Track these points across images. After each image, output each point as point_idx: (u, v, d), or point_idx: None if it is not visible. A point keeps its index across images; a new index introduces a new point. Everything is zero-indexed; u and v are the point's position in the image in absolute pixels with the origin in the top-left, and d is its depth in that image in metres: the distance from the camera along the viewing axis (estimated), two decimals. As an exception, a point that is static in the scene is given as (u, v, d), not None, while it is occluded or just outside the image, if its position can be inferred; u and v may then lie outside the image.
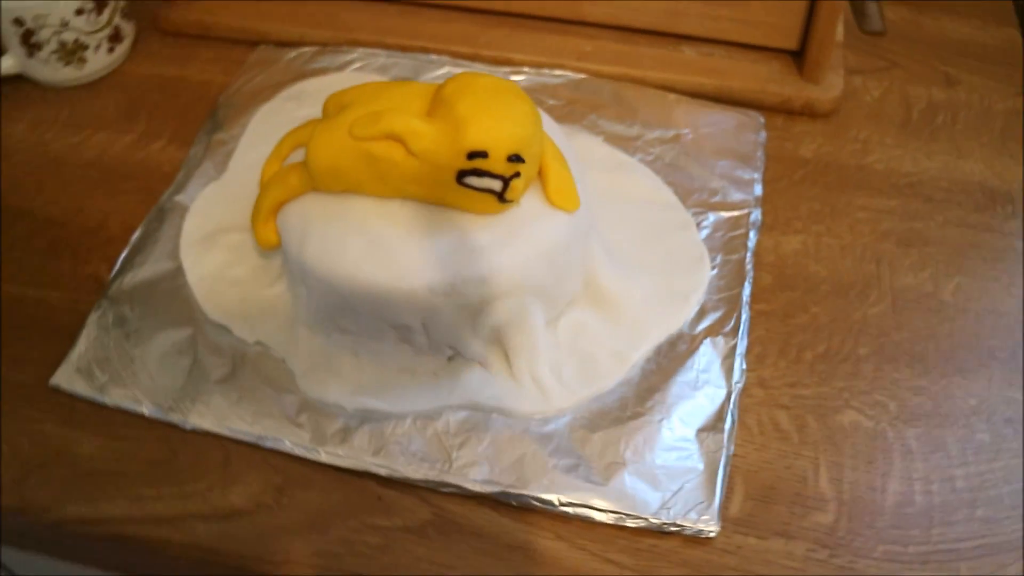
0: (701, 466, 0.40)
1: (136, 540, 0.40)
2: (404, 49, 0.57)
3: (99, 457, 0.42)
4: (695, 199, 0.50)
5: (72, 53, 0.54)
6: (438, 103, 0.40)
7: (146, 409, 0.43)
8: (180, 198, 0.50)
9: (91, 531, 0.40)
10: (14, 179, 0.52)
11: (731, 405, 0.42)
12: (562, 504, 0.39)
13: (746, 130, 0.53)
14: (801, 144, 0.53)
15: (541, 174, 0.42)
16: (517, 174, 0.39)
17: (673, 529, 0.39)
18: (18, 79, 0.57)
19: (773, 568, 0.38)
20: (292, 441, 0.41)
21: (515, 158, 0.39)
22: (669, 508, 0.39)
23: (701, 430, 0.41)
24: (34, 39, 0.53)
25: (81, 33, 0.54)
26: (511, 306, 0.41)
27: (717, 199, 0.50)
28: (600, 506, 0.39)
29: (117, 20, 0.56)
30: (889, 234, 0.49)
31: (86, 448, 0.42)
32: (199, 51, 0.59)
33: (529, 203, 0.41)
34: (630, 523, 0.39)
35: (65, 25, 0.53)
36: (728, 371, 0.43)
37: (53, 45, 0.53)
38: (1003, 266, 0.48)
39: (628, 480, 0.40)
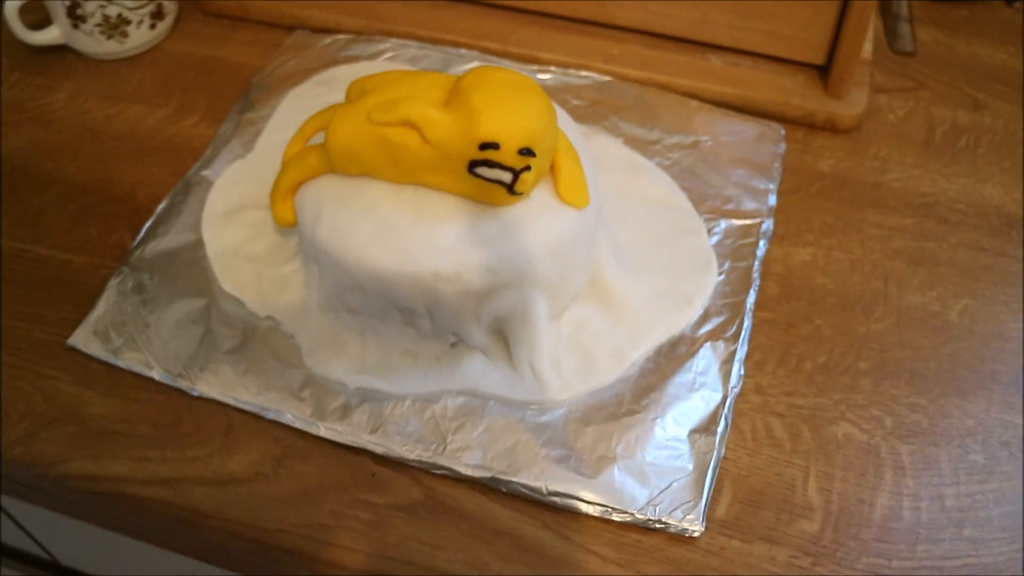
0: (691, 466, 0.41)
1: (136, 500, 0.41)
2: (435, 42, 0.58)
3: (108, 417, 0.43)
4: (708, 205, 0.50)
5: (115, 27, 0.56)
6: (455, 94, 0.41)
7: (156, 374, 0.44)
8: (206, 173, 0.52)
9: (94, 488, 0.41)
10: (51, 145, 0.54)
11: (726, 409, 0.42)
12: (550, 493, 0.40)
13: (765, 141, 0.53)
14: (820, 158, 0.53)
15: (553, 170, 0.43)
16: (528, 167, 0.40)
17: (658, 526, 0.39)
18: (62, 49, 0.59)
19: (754, 571, 0.38)
20: (293, 414, 0.43)
21: (526, 151, 0.39)
22: (655, 505, 0.39)
23: (694, 431, 0.42)
24: (79, 11, 0.55)
25: (124, 8, 0.56)
26: (515, 297, 0.42)
27: (730, 207, 0.50)
28: (587, 498, 0.40)
29: (160, -2, 0.58)
30: (900, 252, 0.49)
31: (96, 408, 0.43)
32: (237, 33, 0.61)
33: (539, 197, 0.42)
34: (616, 517, 0.39)
35: (110, 0, 0.55)
36: (726, 375, 0.43)
37: (97, 18, 0.55)
38: (1013, 291, 0.47)
39: (617, 475, 0.40)
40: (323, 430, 0.42)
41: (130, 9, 0.56)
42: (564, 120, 0.46)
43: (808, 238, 0.50)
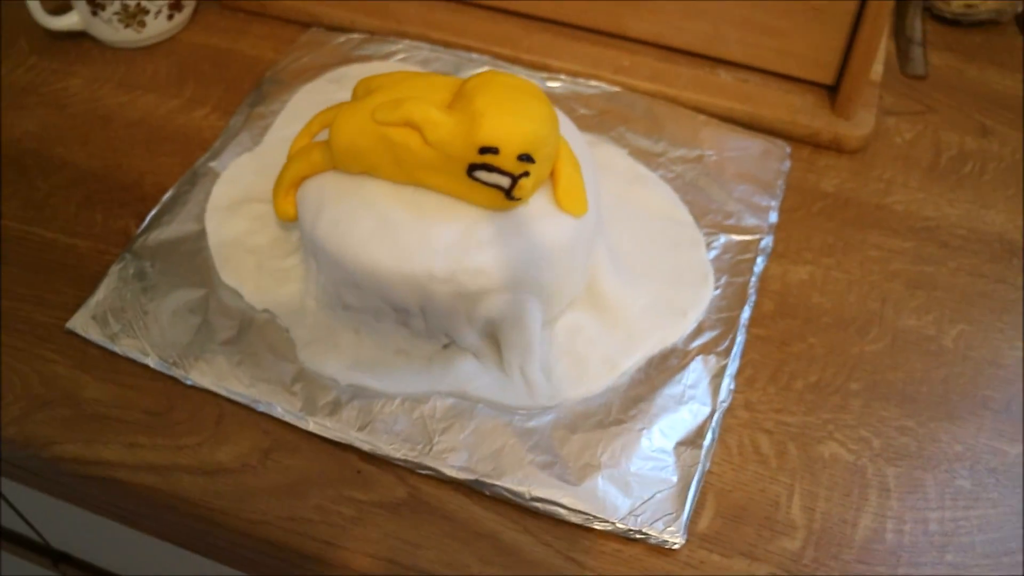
0: (675, 478, 0.41)
1: (125, 485, 0.42)
2: (448, 45, 0.59)
3: (102, 402, 0.44)
4: (709, 219, 0.50)
5: (133, 16, 0.57)
6: (459, 96, 0.41)
7: (152, 361, 0.45)
8: (214, 164, 0.52)
9: (84, 471, 0.42)
10: (63, 130, 0.55)
11: (713, 423, 0.42)
12: (532, 499, 0.40)
13: (770, 158, 0.53)
14: (824, 177, 0.53)
15: (553, 176, 0.43)
16: (526, 173, 0.40)
17: (639, 536, 0.39)
18: (81, 36, 0.60)
19: (733, 587, 0.39)
20: (284, 408, 0.43)
21: (525, 157, 0.39)
22: (637, 515, 0.39)
23: (680, 444, 0.42)
24: None
25: (143, -1, 0.57)
26: (508, 301, 0.42)
27: (731, 222, 0.50)
28: (569, 505, 0.40)
29: (179, -10, 0.59)
30: (898, 274, 0.49)
31: (91, 392, 0.44)
32: (253, 27, 0.61)
33: (538, 203, 0.42)
34: (597, 525, 0.39)
35: (128, -11, 0.56)
36: (715, 390, 0.43)
37: (116, 7, 0.56)
38: (1010, 319, 0.47)
39: (601, 484, 0.40)
40: (312, 425, 0.43)
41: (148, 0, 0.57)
42: (568, 128, 0.46)
43: (807, 256, 0.50)
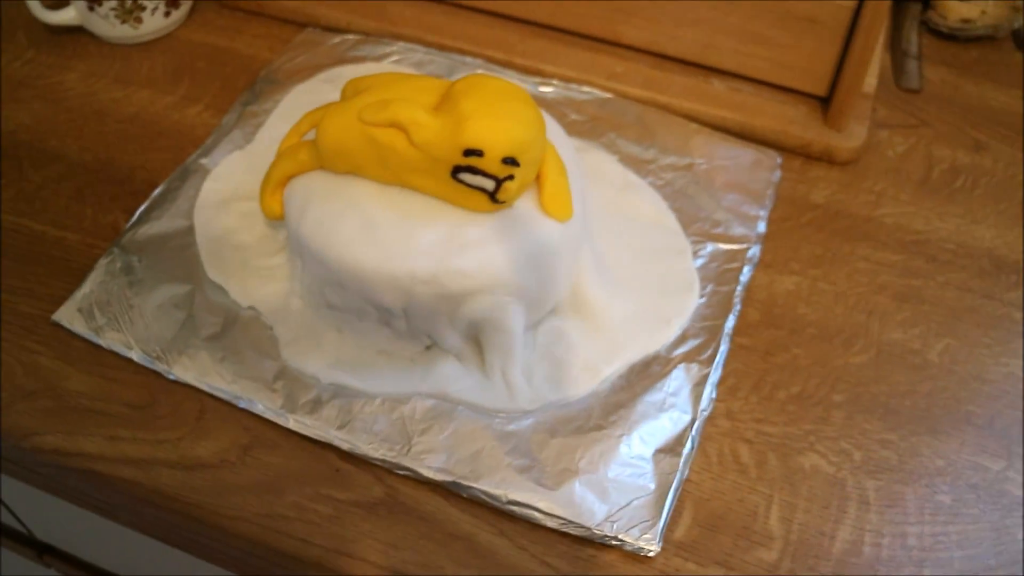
0: (652, 486, 0.40)
1: (104, 478, 0.42)
2: (442, 48, 0.59)
3: (85, 394, 0.44)
4: (697, 228, 0.50)
5: (129, 12, 0.57)
6: (446, 99, 0.41)
7: (135, 355, 0.45)
8: (204, 161, 0.52)
9: (64, 463, 0.42)
10: (58, 123, 0.55)
11: (693, 431, 0.42)
12: (508, 502, 0.40)
13: (761, 168, 0.53)
14: (814, 188, 0.53)
15: (539, 181, 0.43)
16: (511, 176, 0.40)
17: (614, 543, 0.39)
18: (78, 31, 0.60)
19: (706, 596, 0.38)
20: (265, 404, 0.43)
21: (510, 160, 0.40)
22: (613, 522, 0.39)
23: (659, 451, 0.42)
24: (96, -5, 0.56)
25: (140, -5, 0.57)
26: (491, 304, 0.42)
27: (719, 230, 0.50)
28: (546, 510, 0.40)
29: (176, -13, 0.59)
30: (886, 288, 0.49)
31: (74, 384, 0.44)
32: (250, 26, 0.61)
33: (523, 207, 0.42)
34: (573, 531, 0.39)
35: (126, -14, 0.56)
36: (697, 398, 0.43)
37: (112, 3, 0.56)
38: (996, 334, 0.47)
39: (578, 489, 0.40)
40: (292, 422, 0.43)
41: (145, -4, 0.57)
42: (556, 133, 0.46)
43: (794, 267, 0.49)
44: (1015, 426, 0.44)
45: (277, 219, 0.46)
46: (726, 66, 0.56)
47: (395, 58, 0.58)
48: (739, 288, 0.47)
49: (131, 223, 0.50)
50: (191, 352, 0.45)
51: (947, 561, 0.40)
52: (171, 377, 0.44)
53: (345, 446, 0.42)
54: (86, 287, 0.47)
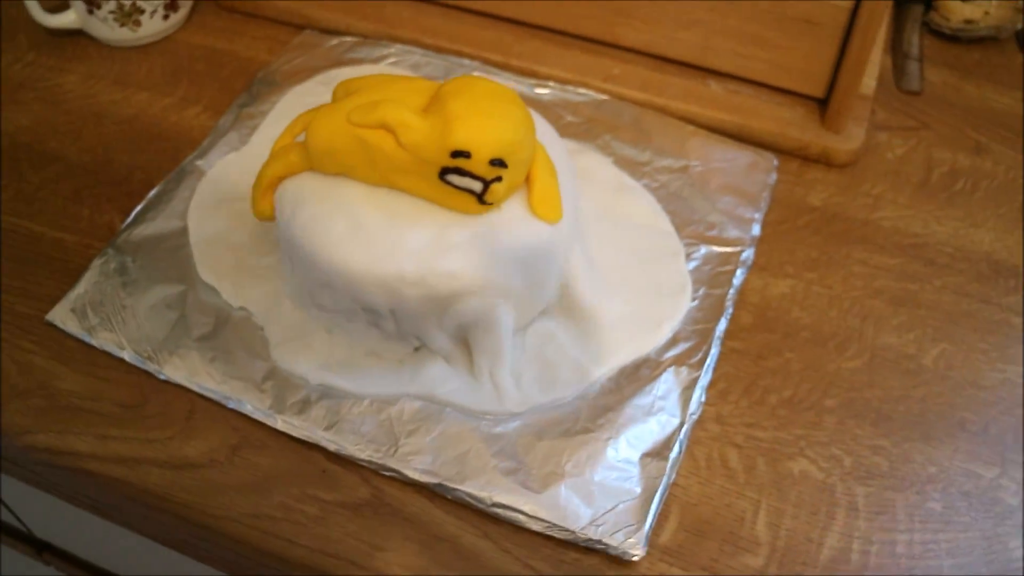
0: (638, 489, 0.40)
1: (94, 476, 0.42)
2: (439, 50, 0.59)
3: (77, 393, 0.44)
4: (691, 230, 0.50)
5: (128, 16, 0.57)
6: (435, 100, 0.41)
7: (127, 355, 0.45)
8: (200, 163, 0.53)
9: (56, 461, 0.42)
10: (57, 125, 0.56)
11: (681, 435, 0.42)
12: (493, 504, 0.40)
13: (757, 170, 0.53)
14: (811, 191, 0.53)
15: (528, 182, 0.43)
16: (499, 178, 0.40)
17: (598, 547, 0.39)
18: (78, 33, 0.60)
19: (691, 601, 0.38)
20: (253, 405, 0.43)
21: (497, 162, 0.39)
22: (598, 525, 0.39)
23: (646, 455, 0.41)
24: (95, -2, 0.57)
25: (139, -2, 0.57)
26: (479, 306, 0.42)
27: (713, 233, 0.50)
28: (530, 512, 0.39)
29: (175, -9, 0.59)
30: (882, 291, 0.48)
31: (67, 383, 0.44)
32: (249, 28, 0.62)
33: (512, 208, 0.42)
34: (557, 534, 0.39)
35: (125, -12, 0.57)
36: (685, 402, 0.43)
37: (111, 6, 0.57)
38: (993, 339, 0.46)
39: (563, 492, 0.40)
40: (280, 423, 0.43)
41: (144, -1, 0.57)
42: (549, 135, 0.46)
43: (789, 270, 0.49)
44: (1010, 433, 0.43)
45: (268, 220, 0.46)
46: (724, 68, 0.56)
47: (392, 60, 0.58)
48: (732, 291, 0.47)
49: (126, 224, 0.50)
50: (182, 352, 0.45)
51: (936, 569, 0.39)
52: (162, 377, 0.44)
53: (332, 447, 0.42)
54: (80, 287, 0.47)
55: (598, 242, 0.48)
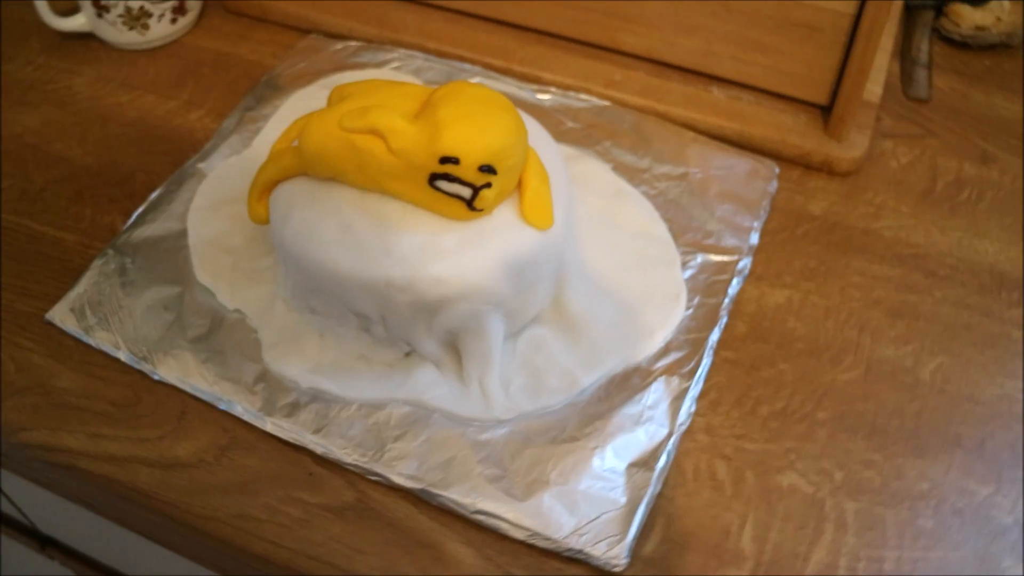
0: (623, 500, 0.40)
1: (86, 473, 0.42)
2: (442, 55, 0.59)
3: (72, 392, 0.45)
4: (688, 238, 0.49)
5: (136, 19, 0.58)
6: (426, 106, 0.41)
7: (123, 355, 0.45)
8: (202, 165, 0.53)
9: (49, 458, 0.43)
10: (64, 127, 0.56)
11: (669, 446, 0.42)
12: (476, 511, 0.40)
13: (757, 178, 0.52)
14: (812, 199, 0.52)
15: (520, 189, 0.43)
16: (488, 184, 0.40)
17: (580, 557, 0.39)
18: (88, 36, 0.61)
19: (672, 614, 0.38)
20: (243, 407, 0.43)
21: (487, 168, 0.39)
22: (581, 535, 0.39)
23: (632, 465, 0.41)
24: (104, 2, 0.57)
25: (147, 2, 0.58)
26: (468, 312, 0.42)
27: (710, 241, 0.49)
28: (513, 520, 0.39)
29: (184, -5, 0.60)
30: (880, 303, 0.48)
31: (63, 382, 0.45)
32: (255, 32, 0.62)
33: (502, 215, 0.42)
34: (540, 543, 0.39)
35: (133, -7, 0.57)
36: (675, 412, 0.43)
37: (120, 9, 0.58)
38: (993, 353, 0.45)
39: (547, 500, 0.40)
40: (269, 425, 0.43)
41: (152, 3, 0.58)
42: (543, 140, 0.46)
43: (786, 280, 0.49)
44: (1007, 450, 0.42)
45: (263, 224, 0.46)
46: (726, 74, 0.55)
47: (395, 65, 0.59)
48: (726, 301, 0.47)
49: (127, 225, 0.50)
50: (176, 353, 0.45)
51: (925, 587, 0.38)
52: (156, 377, 0.45)
53: (319, 450, 0.42)
54: (80, 287, 0.48)
55: (592, 249, 0.48)
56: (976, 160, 0.54)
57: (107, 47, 0.61)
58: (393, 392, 0.43)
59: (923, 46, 0.59)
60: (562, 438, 0.42)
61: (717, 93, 0.55)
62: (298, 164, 0.44)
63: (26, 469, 0.46)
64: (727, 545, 0.40)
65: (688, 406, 0.43)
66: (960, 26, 0.59)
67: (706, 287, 0.47)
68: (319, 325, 0.45)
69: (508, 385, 0.43)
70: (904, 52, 0.60)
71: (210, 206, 0.51)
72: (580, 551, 0.39)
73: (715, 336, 0.45)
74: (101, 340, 0.46)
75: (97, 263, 0.49)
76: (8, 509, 0.66)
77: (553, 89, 0.57)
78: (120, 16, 0.58)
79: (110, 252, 0.49)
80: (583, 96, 0.56)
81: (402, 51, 0.59)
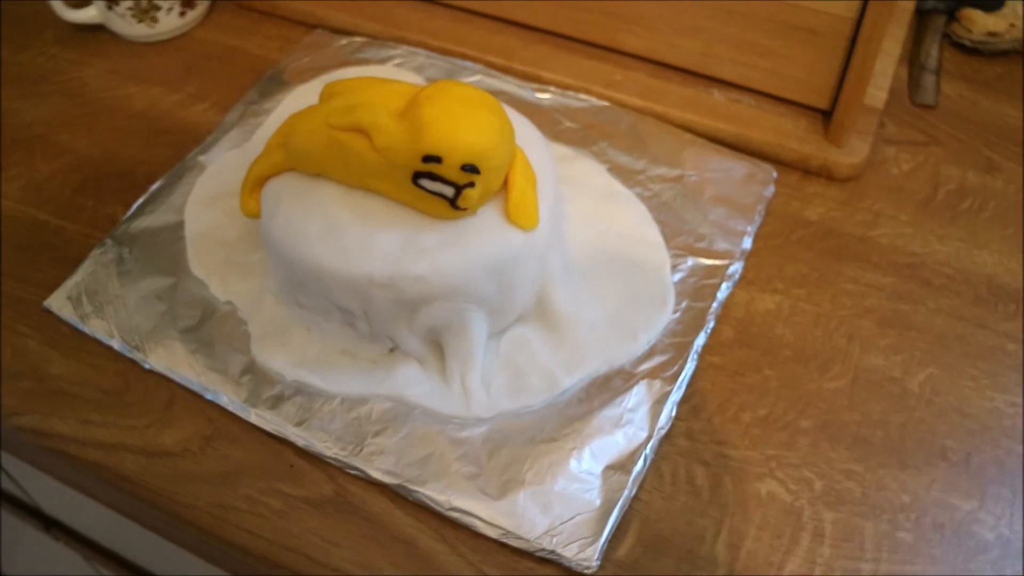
0: (598, 502, 0.40)
1: (73, 459, 0.43)
2: (444, 52, 0.59)
3: (65, 378, 0.46)
4: (680, 241, 0.49)
5: (145, 12, 0.59)
6: (412, 104, 0.41)
7: (115, 343, 0.46)
8: (202, 158, 0.54)
9: (39, 442, 0.44)
10: (71, 117, 0.57)
11: (647, 449, 0.41)
12: (451, 508, 0.40)
13: (753, 182, 0.52)
14: (809, 205, 0.52)
15: (505, 189, 0.43)
16: (471, 184, 0.40)
17: (552, 557, 0.39)
18: (100, 29, 0.62)
19: (640, 618, 0.38)
20: (229, 397, 0.44)
21: (469, 168, 0.39)
22: (553, 536, 0.39)
23: (609, 467, 0.41)
24: (113, -6, 0.59)
25: (155, -5, 0.59)
26: (450, 310, 0.42)
27: (702, 245, 0.49)
28: (486, 519, 0.39)
29: (192, -11, 0.61)
30: (872, 311, 0.47)
31: (57, 368, 0.46)
32: (263, 27, 0.63)
33: (487, 214, 0.42)
34: (512, 542, 0.39)
35: (143, -14, 0.58)
36: (655, 415, 0.42)
37: (129, 2, 0.59)
38: (985, 366, 0.45)
39: (521, 500, 0.40)
40: (253, 416, 0.43)
41: (160, -4, 0.59)
42: (534, 140, 0.46)
43: (777, 286, 0.48)
44: (993, 465, 0.42)
45: (255, 217, 0.47)
46: (726, 76, 0.55)
47: (397, 61, 0.59)
48: (714, 305, 0.46)
49: (127, 216, 0.51)
50: (167, 343, 0.46)
51: (900, 601, 0.38)
52: (146, 366, 0.46)
53: (301, 443, 0.42)
54: (78, 276, 0.49)
55: (581, 250, 0.48)
56: (980, 169, 0.53)
57: (118, 39, 0.62)
58: (375, 388, 0.44)
59: (932, 51, 0.58)
60: (540, 438, 0.42)
61: (717, 96, 0.55)
62: (287, 160, 0.45)
63: (23, 452, 0.47)
64: (700, 551, 0.39)
65: (669, 410, 0.43)
66: (972, 32, 0.58)
67: (695, 291, 0.47)
68: (306, 319, 0.46)
69: (489, 384, 0.44)
70: (913, 57, 0.59)
71: (208, 199, 0.52)
72: (552, 552, 0.39)
73: (700, 340, 0.45)
74: (95, 328, 0.47)
75: (95, 252, 0.50)
76: (14, 490, 0.68)
77: (552, 88, 0.57)
78: (129, 9, 0.59)
79: (109, 242, 0.50)
80: (582, 96, 0.56)
81: (405, 48, 0.59)
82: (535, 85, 0.57)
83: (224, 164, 0.53)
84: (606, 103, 0.56)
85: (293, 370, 0.45)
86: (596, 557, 0.38)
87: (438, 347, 0.44)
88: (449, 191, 0.40)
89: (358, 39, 0.61)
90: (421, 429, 0.43)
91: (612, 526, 0.39)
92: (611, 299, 0.46)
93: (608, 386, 0.44)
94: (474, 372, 0.43)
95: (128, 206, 0.52)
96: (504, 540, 0.39)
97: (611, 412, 0.43)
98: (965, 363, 0.45)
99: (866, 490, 0.41)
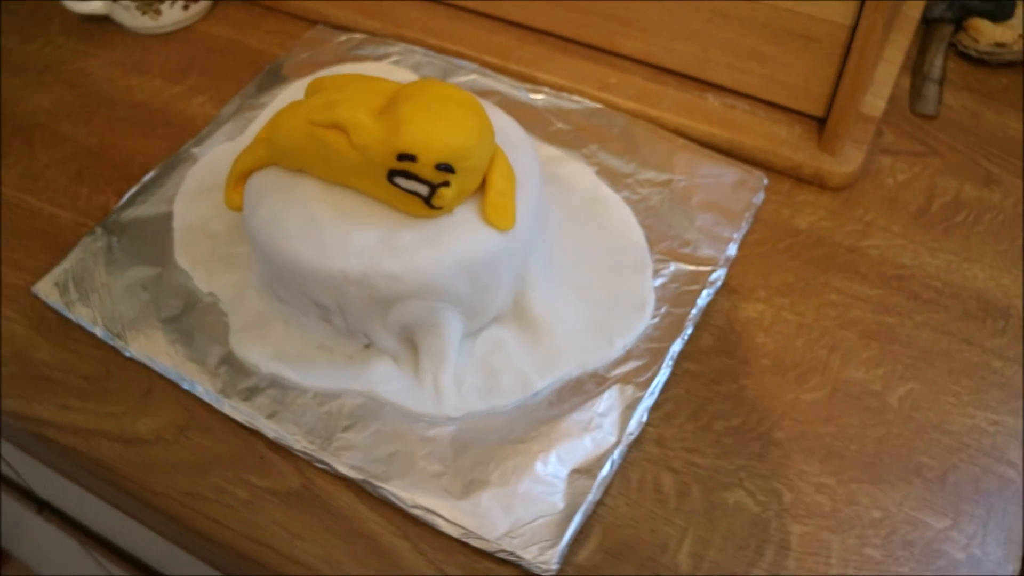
0: (562, 505, 0.40)
1: (52, 443, 0.44)
2: (442, 51, 0.59)
3: (48, 363, 0.46)
4: (664, 246, 0.49)
5: (149, 4, 0.60)
6: (391, 102, 0.42)
7: (99, 331, 0.47)
8: (196, 150, 0.54)
9: (19, 425, 0.45)
10: (72, 107, 0.58)
11: (615, 455, 0.41)
12: (414, 506, 0.40)
13: (743, 188, 0.51)
14: (799, 213, 0.51)
15: (483, 189, 0.43)
16: (446, 183, 0.40)
17: (512, 559, 0.38)
18: (106, 20, 0.63)
19: (597, 624, 0.37)
20: (204, 387, 0.44)
21: (444, 167, 0.39)
22: (514, 537, 0.39)
23: (575, 471, 0.41)
24: (118, -14, 0.59)
25: (158, -12, 0.60)
26: (423, 308, 0.42)
27: (686, 250, 0.48)
28: (448, 517, 0.39)
29: (196, -18, 0.62)
30: (855, 323, 0.46)
31: (41, 353, 0.47)
32: (265, 21, 0.63)
33: (463, 214, 0.42)
34: (473, 542, 0.39)
35: (146, -21, 0.59)
36: (624, 421, 0.42)
37: (133, -5, 0.60)
38: (968, 383, 0.44)
39: (484, 501, 0.40)
40: (226, 407, 0.44)
41: (164, -11, 0.60)
42: (521, 141, 0.46)
43: (760, 294, 0.47)
44: (969, 484, 0.41)
45: (238, 210, 0.47)
46: (722, 82, 0.54)
47: (394, 58, 0.59)
48: (694, 312, 0.46)
49: (118, 205, 0.52)
50: (148, 332, 0.46)
51: (863, 618, 0.37)
52: (127, 354, 0.46)
53: (271, 435, 0.43)
54: (67, 263, 0.49)
55: (563, 252, 0.48)
56: (978, 181, 0.52)
57: (123, 31, 0.63)
58: (349, 383, 0.44)
59: (937, 61, 0.56)
60: (508, 439, 0.42)
61: (712, 100, 0.54)
62: (271, 155, 0.45)
63: (9, 435, 0.48)
64: (663, 559, 0.39)
65: (640, 416, 0.42)
66: (979, 42, 0.57)
67: (675, 296, 0.47)
68: (285, 313, 0.46)
69: (462, 383, 0.44)
70: (916, 66, 0.57)
71: (197, 191, 0.52)
72: (512, 553, 0.38)
73: (677, 347, 0.45)
74: (80, 315, 0.47)
75: (86, 240, 0.50)
76: (8, 472, 0.69)
77: (547, 89, 0.56)
78: (133, 1, 0.59)
79: (99, 230, 0.51)
80: (576, 98, 0.56)
81: (403, 46, 0.60)
82: (529, 86, 0.57)
83: (216, 157, 0.54)
84: (600, 105, 0.55)
85: (269, 363, 0.45)
86: (556, 560, 0.38)
87: (413, 345, 0.44)
88: (424, 190, 0.40)
89: (357, 36, 0.61)
90: (391, 426, 0.43)
91: (574, 530, 0.39)
92: (590, 302, 0.46)
93: (580, 390, 0.44)
94: (446, 371, 0.43)
95: (121, 195, 0.53)
96: (465, 540, 0.39)
97: (581, 416, 0.42)
98: (948, 379, 0.44)
99: (836, 504, 0.40)
